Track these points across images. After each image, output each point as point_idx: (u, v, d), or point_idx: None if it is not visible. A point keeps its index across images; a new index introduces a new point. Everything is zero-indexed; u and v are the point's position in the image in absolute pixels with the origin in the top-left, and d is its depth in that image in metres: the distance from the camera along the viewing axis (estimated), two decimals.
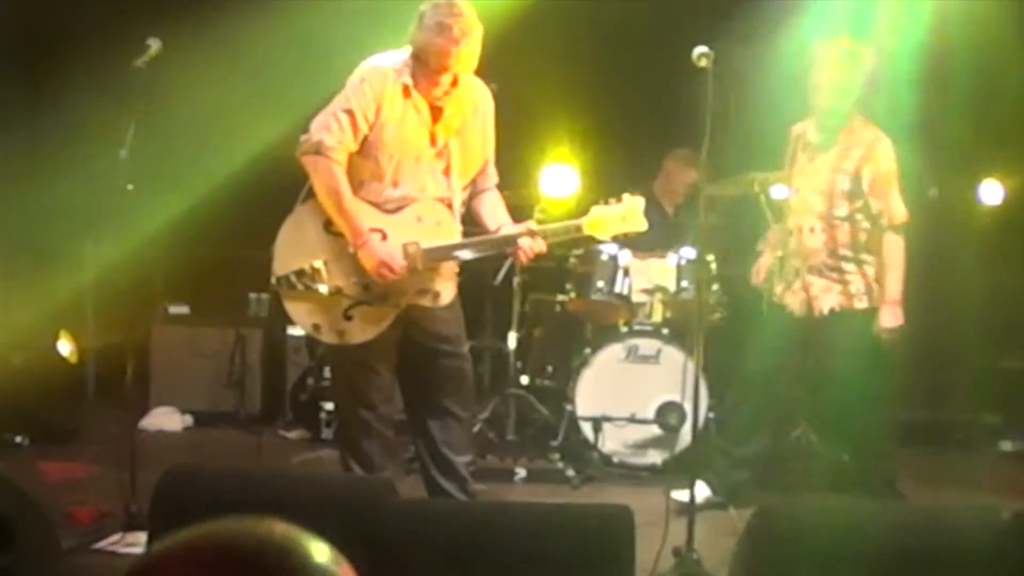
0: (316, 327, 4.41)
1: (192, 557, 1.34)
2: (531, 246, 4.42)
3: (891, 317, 5.10)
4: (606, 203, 4.47)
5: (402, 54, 4.39)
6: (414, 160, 4.40)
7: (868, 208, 5.14)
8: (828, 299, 5.17)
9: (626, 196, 4.47)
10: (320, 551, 1.38)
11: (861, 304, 5.15)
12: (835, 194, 5.14)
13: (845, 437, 5.53)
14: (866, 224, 5.16)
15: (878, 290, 5.13)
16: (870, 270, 5.15)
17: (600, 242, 5.65)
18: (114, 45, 5.01)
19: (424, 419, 4.58)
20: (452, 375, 4.56)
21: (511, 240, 4.46)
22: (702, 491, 5.15)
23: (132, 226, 5.21)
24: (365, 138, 4.35)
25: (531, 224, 4.49)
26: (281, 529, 1.38)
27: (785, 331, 5.31)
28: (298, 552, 1.35)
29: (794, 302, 5.28)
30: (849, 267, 5.16)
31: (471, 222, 4.70)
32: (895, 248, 5.12)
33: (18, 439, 6.23)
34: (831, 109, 5.18)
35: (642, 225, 4.49)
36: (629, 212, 4.45)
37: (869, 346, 5.09)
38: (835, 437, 5.78)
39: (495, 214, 4.61)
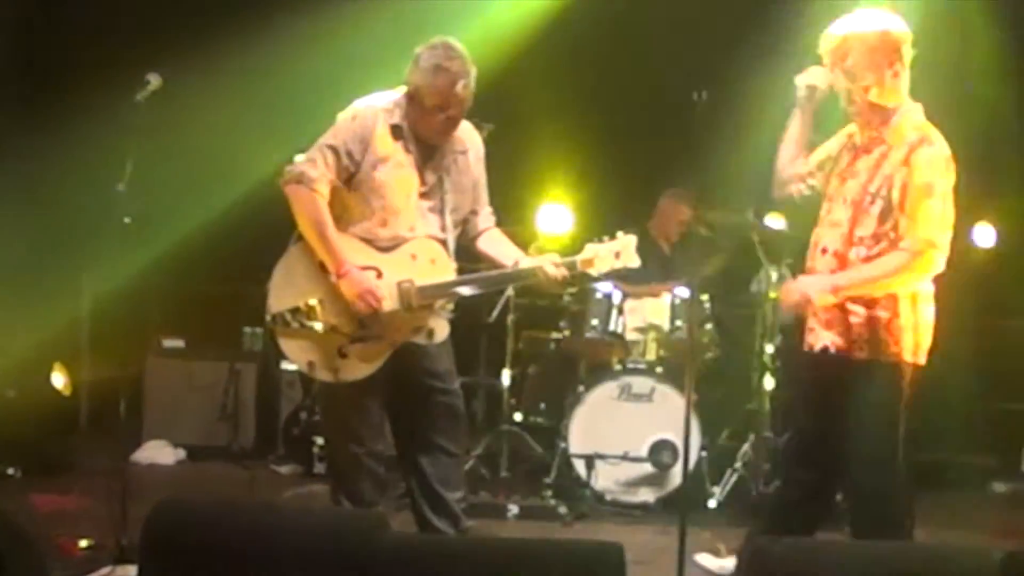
0: (311, 365, 4.42)
1: None
2: (554, 274, 4.45)
3: (810, 285, 4.13)
4: (600, 240, 4.52)
5: (395, 94, 4.46)
6: (404, 199, 4.43)
7: (897, 228, 4.06)
8: (823, 336, 4.21)
9: (620, 233, 4.53)
10: None
11: (861, 354, 4.14)
12: (863, 207, 4.12)
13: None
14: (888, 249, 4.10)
15: (888, 340, 4.09)
16: (883, 314, 4.10)
17: (594, 279, 5.68)
18: (113, 79, 5.05)
19: (415, 455, 4.58)
20: (443, 411, 4.57)
21: (528, 272, 4.51)
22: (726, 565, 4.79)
23: (128, 260, 5.22)
24: (353, 176, 4.39)
25: (554, 256, 4.51)
26: None
27: (799, 367, 4.49)
28: None
29: (801, 334, 4.37)
30: (855, 306, 4.13)
31: (477, 261, 4.75)
32: (890, 259, 4.05)
33: (10, 471, 6.22)
34: (868, 104, 4.16)
35: (635, 261, 4.54)
36: (623, 249, 4.50)
37: (865, 404, 4.15)
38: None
39: (507, 251, 4.65)
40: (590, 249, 4.50)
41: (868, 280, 4.09)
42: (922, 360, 4.17)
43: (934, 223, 4.03)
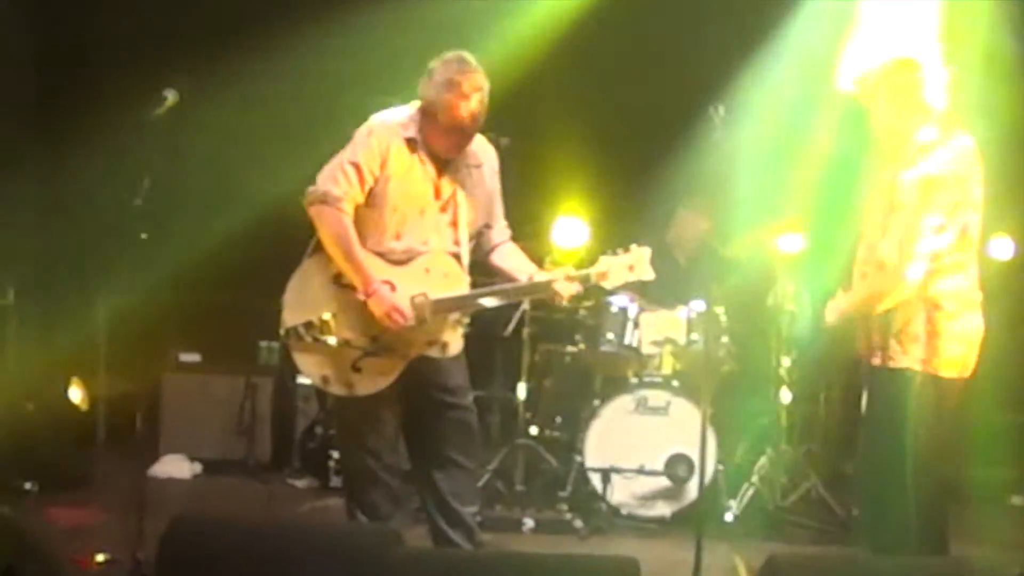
0: (325, 379, 4.43)
1: None
2: (567, 289, 4.46)
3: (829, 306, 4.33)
4: (614, 253, 4.51)
5: (409, 109, 4.48)
6: (418, 213, 4.46)
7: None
8: (859, 343, 4.34)
9: (633, 246, 4.51)
10: None
11: (876, 360, 4.21)
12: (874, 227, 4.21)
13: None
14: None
15: (897, 347, 4.12)
16: (896, 321, 4.12)
17: (609, 293, 5.67)
18: (130, 95, 5.08)
19: (429, 469, 4.59)
20: (456, 425, 4.58)
21: (541, 286, 4.51)
22: None
23: (145, 274, 5.24)
24: (370, 190, 4.42)
25: (568, 269, 4.51)
26: None
27: None
28: None
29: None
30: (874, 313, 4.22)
31: (492, 274, 4.74)
32: (873, 280, 4.17)
33: (28, 485, 6.21)
34: (885, 134, 4.25)
35: (649, 275, 4.52)
36: (636, 262, 4.49)
37: (872, 411, 4.30)
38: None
39: (521, 265, 4.66)
40: (604, 262, 4.50)
41: (858, 302, 4.19)
42: (947, 372, 4.11)
43: (895, 244, 4.04)
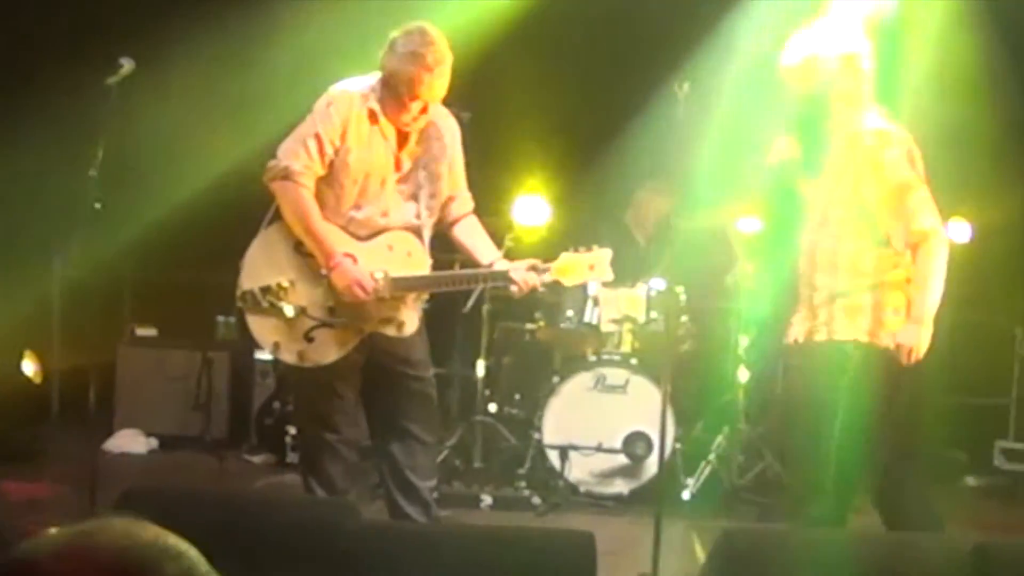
0: (276, 345, 4.40)
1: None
2: (526, 279, 4.43)
3: (908, 335, 4.27)
4: (576, 250, 4.49)
5: (370, 79, 4.42)
6: (378, 184, 4.42)
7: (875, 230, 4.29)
8: (797, 329, 4.47)
9: (595, 247, 4.50)
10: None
11: (820, 336, 4.36)
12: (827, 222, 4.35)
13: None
14: (850, 246, 4.32)
15: (846, 322, 4.28)
16: (841, 301, 4.31)
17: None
18: (85, 63, 5.00)
19: (388, 443, 4.56)
20: (416, 398, 4.56)
21: (501, 275, 4.49)
22: None
23: (100, 246, 5.18)
24: (331, 162, 4.38)
25: (531, 262, 4.49)
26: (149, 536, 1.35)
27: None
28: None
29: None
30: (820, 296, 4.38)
31: (452, 248, 4.72)
32: (923, 262, 4.27)
33: None
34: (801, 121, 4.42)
35: (608, 276, 4.52)
36: (597, 262, 4.47)
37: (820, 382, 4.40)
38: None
39: (481, 246, 4.62)
40: (564, 259, 4.47)
41: (931, 288, 4.37)
42: (888, 342, 4.30)
43: (917, 216, 4.26)
